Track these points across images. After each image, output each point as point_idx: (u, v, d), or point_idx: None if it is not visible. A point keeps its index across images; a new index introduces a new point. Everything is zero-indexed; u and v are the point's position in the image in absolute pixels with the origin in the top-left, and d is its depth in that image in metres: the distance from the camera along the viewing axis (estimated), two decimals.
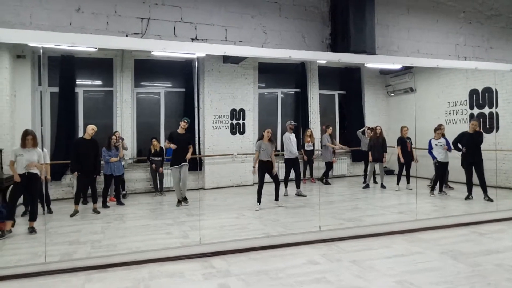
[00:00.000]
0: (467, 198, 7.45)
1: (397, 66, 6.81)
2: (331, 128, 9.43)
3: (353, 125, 10.90)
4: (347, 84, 11.41)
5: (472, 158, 7.18)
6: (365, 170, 9.50)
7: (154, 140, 8.54)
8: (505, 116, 8.50)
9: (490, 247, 4.78)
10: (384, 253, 4.62)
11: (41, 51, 4.20)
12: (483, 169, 7.28)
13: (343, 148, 10.34)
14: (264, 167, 7.04)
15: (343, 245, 4.95)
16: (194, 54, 5.02)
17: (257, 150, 7.12)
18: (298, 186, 8.12)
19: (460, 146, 7.45)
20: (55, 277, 3.99)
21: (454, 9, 6.26)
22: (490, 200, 7.09)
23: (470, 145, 7.27)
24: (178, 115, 9.68)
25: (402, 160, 8.36)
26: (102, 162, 7.45)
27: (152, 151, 8.52)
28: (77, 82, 8.84)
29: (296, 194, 8.11)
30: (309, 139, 9.15)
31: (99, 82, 9.46)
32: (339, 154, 10.69)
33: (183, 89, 9.84)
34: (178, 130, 7.36)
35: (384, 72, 11.32)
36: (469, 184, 7.45)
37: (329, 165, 9.47)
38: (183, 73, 9.78)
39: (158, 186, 8.66)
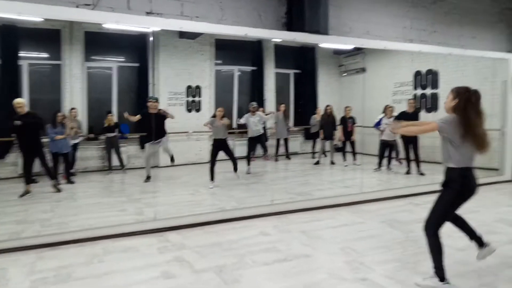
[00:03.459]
0: (407, 173, 8.05)
1: (349, 47, 7.07)
2: (283, 105, 9.69)
3: (307, 103, 11.20)
4: (302, 64, 11.60)
5: (409, 136, 7.70)
6: (313, 147, 9.93)
7: (109, 114, 8.31)
8: (445, 97, 9.11)
9: (422, 216, 5.19)
10: (330, 224, 4.95)
11: None
12: (418, 146, 7.87)
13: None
14: (217, 145, 7.13)
15: (293, 217, 5.23)
16: (149, 28, 4.90)
17: (207, 124, 7.24)
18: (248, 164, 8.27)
19: None
20: (3, 257, 3.90)
21: None
22: (422, 174, 7.71)
23: None
24: (131, 90, 9.43)
25: (341, 138, 8.82)
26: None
27: (106, 125, 8.30)
28: (20, 54, 8.29)
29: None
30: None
31: (45, 55, 8.95)
32: (293, 132, 10.99)
33: (137, 64, 9.56)
34: (149, 111, 7.20)
35: (337, 53, 11.64)
36: (408, 160, 8.04)
37: (286, 140, 9.81)
38: (137, 48, 9.47)
39: (119, 163, 8.51)
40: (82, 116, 8.88)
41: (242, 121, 8.24)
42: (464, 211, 3.26)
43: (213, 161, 7.07)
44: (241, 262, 3.74)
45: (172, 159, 7.78)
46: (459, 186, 3.02)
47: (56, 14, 4.04)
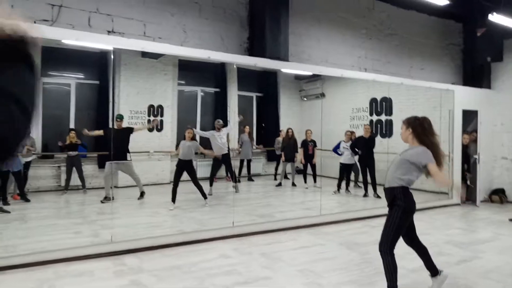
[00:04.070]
0: (364, 195, 8.35)
1: (308, 73, 7.36)
2: (248, 127, 9.84)
3: (269, 126, 11.41)
4: (265, 87, 11.88)
5: (366, 160, 8.04)
6: (276, 169, 10.08)
7: (71, 132, 8.04)
8: (398, 123, 9.67)
9: (378, 238, 5.45)
10: (290, 246, 5.02)
11: None
12: (375, 170, 8.22)
13: (258, 148, 10.84)
14: (182, 166, 7.05)
15: (254, 240, 5.25)
16: (110, 46, 4.85)
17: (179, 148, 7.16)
18: (235, 181, 8.31)
19: (356, 149, 8.31)
20: None
21: (358, 25, 6.98)
22: (378, 197, 8.05)
23: (364, 149, 8.16)
24: (91, 108, 9.18)
25: (302, 161, 9.05)
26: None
27: (67, 142, 8.00)
28: None
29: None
30: None
31: None
32: (256, 154, 11.12)
33: (97, 82, 9.36)
34: (115, 126, 7.20)
35: (298, 78, 12.03)
36: (365, 183, 8.35)
37: (249, 162, 9.90)
38: (98, 65, 9.30)
39: (80, 183, 8.17)
40: (36, 133, 8.50)
41: (207, 134, 8.19)
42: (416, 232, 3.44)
43: (176, 182, 6.93)
44: (200, 285, 3.69)
45: (142, 195, 7.58)
46: (403, 202, 3.24)
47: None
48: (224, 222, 5.80)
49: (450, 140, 8.17)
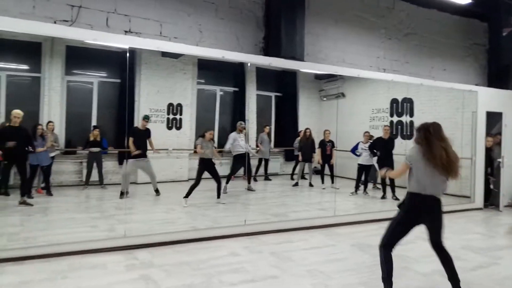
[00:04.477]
0: (382, 197, 8.20)
1: (324, 73, 7.31)
2: (268, 127, 9.89)
3: (287, 126, 11.40)
4: (284, 87, 11.86)
5: (385, 162, 7.89)
6: (294, 169, 10.05)
7: (95, 129, 8.31)
8: (419, 124, 9.43)
9: None
10: (301, 245, 5.00)
11: None
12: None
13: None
14: (206, 165, 7.09)
15: (265, 239, 5.25)
16: (126, 47, 4.96)
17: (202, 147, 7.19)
18: (249, 182, 8.41)
19: (375, 151, 8.17)
20: None
21: (377, 25, 6.88)
22: (397, 199, 7.87)
23: (383, 150, 8.01)
24: (112, 106, 9.42)
25: (320, 162, 8.97)
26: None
27: (91, 139, 8.27)
28: None
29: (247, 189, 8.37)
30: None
31: (25, 67, 8.90)
32: (273, 153, 11.12)
33: (118, 80, 9.59)
34: (139, 126, 7.51)
35: (318, 77, 11.94)
36: (383, 185, 8.20)
37: (267, 161, 9.92)
38: (119, 64, 9.52)
39: (98, 178, 8.41)
40: (60, 129, 8.80)
41: (230, 141, 8.19)
42: None
43: (198, 181, 6.94)
44: (208, 282, 3.73)
45: (157, 192, 7.78)
46: (405, 208, 3.32)
47: (33, 29, 4.08)
48: (237, 220, 5.83)
49: (473, 142, 7.92)
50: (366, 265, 4.35)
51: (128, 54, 4.90)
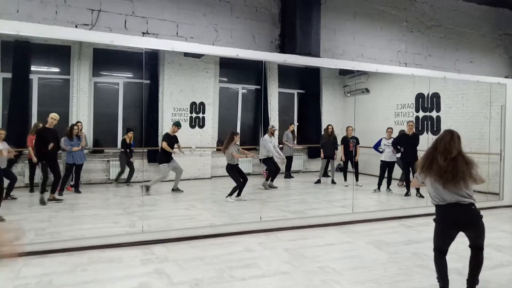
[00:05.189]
0: (406, 194, 8.00)
1: (344, 68, 7.19)
2: (293, 125, 9.90)
3: (310, 123, 11.33)
4: (306, 84, 11.78)
5: (409, 158, 7.67)
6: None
7: (130, 132, 8.65)
8: (446, 120, 9.12)
9: (411, 238, 5.26)
10: (316, 242, 4.98)
11: None
12: None
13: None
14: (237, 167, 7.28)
15: (280, 235, 5.27)
16: (142, 49, 5.11)
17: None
18: (272, 180, 8.60)
19: (398, 147, 7.96)
20: None
21: (397, 18, 6.70)
22: (421, 196, 7.64)
23: (407, 146, 7.79)
24: (137, 106, 9.70)
25: (342, 158, 8.84)
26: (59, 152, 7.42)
27: (127, 141, 8.62)
28: (32, 69, 8.68)
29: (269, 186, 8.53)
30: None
31: (55, 70, 9.33)
32: (296, 151, 11.08)
33: (143, 81, 9.85)
34: (169, 132, 8.07)
35: (342, 73, 11.77)
36: (407, 182, 7.99)
37: (289, 160, 9.92)
38: (144, 64, 9.76)
39: (127, 177, 8.73)
40: (88, 129, 9.17)
41: (270, 146, 8.40)
42: (459, 235, 3.31)
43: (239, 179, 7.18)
44: (218, 276, 3.80)
45: (177, 190, 8.09)
46: (436, 220, 3.35)
47: (54, 33, 4.28)
48: (255, 217, 5.88)
49: (502, 137, 7.57)
50: (380, 263, 4.28)
51: (144, 55, 5.03)
